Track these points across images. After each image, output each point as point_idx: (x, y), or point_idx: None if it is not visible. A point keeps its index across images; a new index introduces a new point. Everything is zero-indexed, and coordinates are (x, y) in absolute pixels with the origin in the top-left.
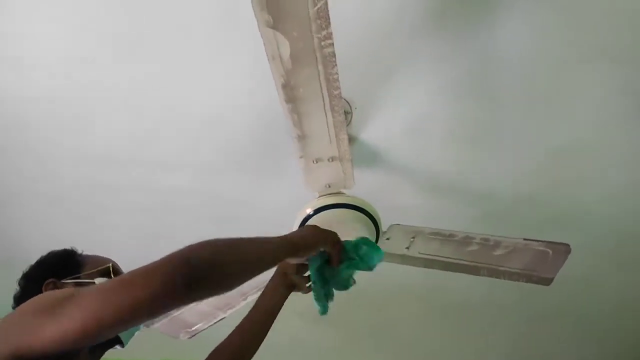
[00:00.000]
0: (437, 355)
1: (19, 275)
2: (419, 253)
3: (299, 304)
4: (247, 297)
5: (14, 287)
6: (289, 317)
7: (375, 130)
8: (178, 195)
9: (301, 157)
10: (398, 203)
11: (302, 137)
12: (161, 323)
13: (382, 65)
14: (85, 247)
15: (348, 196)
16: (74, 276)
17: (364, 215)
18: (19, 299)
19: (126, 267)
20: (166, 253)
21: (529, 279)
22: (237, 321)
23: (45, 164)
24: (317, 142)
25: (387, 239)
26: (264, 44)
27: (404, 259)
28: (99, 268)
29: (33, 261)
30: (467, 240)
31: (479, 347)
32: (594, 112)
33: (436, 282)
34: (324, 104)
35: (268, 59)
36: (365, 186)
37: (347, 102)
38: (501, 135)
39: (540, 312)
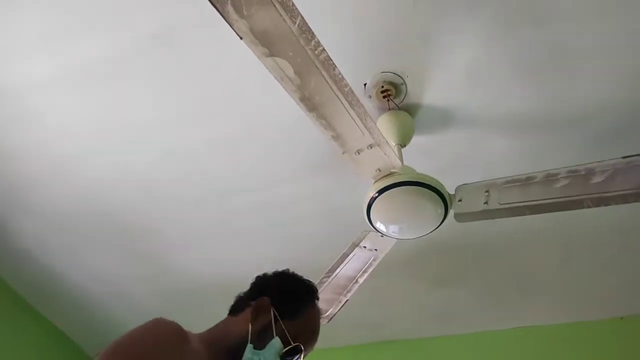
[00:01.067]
0: None
1: None
2: (500, 204)
3: None
4: (358, 280)
5: None
6: None
7: (437, 92)
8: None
9: (344, 153)
10: (485, 155)
11: (336, 137)
12: None
13: (419, 27)
14: None
15: (399, 174)
16: (276, 315)
17: (421, 188)
18: (251, 288)
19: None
20: None
21: None
22: None
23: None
24: (351, 136)
25: (460, 200)
26: (269, 71)
27: (488, 214)
28: (287, 336)
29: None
30: (550, 178)
31: None
32: None
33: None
34: (342, 102)
35: (278, 82)
36: (443, 147)
37: (397, 74)
38: (578, 48)
39: None
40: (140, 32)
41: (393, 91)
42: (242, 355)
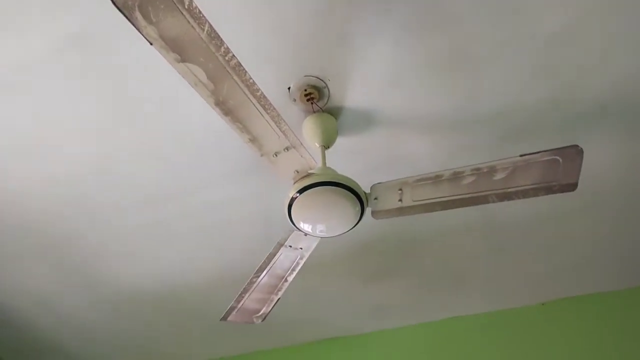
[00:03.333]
0: None
1: None
2: (414, 201)
3: None
4: (287, 279)
5: None
6: None
7: (358, 94)
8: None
9: (262, 155)
10: (405, 154)
11: (253, 140)
12: (233, 316)
13: (337, 32)
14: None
15: (317, 174)
16: None
17: (337, 188)
18: None
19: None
20: None
21: (550, 190)
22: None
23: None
24: (267, 139)
25: (375, 198)
26: (183, 76)
27: (402, 211)
28: None
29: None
30: (457, 175)
31: None
32: None
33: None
34: (255, 106)
35: (192, 87)
36: (367, 148)
37: (319, 78)
38: (481, 50)
39: None
40: (56, 35)
41: (316, 94)
42: None
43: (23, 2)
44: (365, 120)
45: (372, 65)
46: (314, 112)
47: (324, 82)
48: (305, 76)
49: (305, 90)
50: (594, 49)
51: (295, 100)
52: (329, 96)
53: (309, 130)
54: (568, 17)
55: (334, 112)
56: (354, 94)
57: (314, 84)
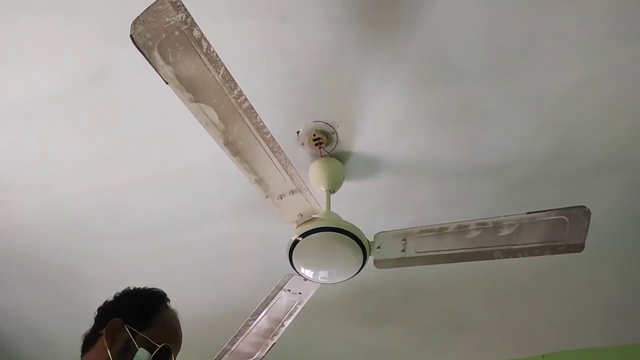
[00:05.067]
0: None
1: None
2: (417, 252)
3: None
4: (284, 324)
5: None
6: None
7: (366, 140)
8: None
9: (267, 197)
10: (410, 200)
11: (259, 181)
12: (225, 358)
13: (348, 80)
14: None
15: (321, 219)
16: (133, 330)
17: (340, 234)
18: (96, 319)
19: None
20: None
21: (556, 250)
22: None
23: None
24: (273, 181)
25: (378, 247)
26: (195, 116)
27: (405, 261)
28: (151, 342)
29: None
30: (462, 229)
31: None
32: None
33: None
34: (264, 149)
35: (204, 126)
36: (372, 192)
37: (328, 124)
38: (488, 105)
39: None
40: (71, 72)
41: (324, 139)
42: None
43: (43, 38)
44: (372, 166)
45: (380, 113)
46: (322, 156)
47: (333, 128)
48: (315, 121)
49: (314, 135)
50: (596, 108)
51: (303, 144)
52: (337, 141)
53: (315, 175)
54: (574, 77)
55: (341, 157)
56: (362, 140)
57: (322, 129)
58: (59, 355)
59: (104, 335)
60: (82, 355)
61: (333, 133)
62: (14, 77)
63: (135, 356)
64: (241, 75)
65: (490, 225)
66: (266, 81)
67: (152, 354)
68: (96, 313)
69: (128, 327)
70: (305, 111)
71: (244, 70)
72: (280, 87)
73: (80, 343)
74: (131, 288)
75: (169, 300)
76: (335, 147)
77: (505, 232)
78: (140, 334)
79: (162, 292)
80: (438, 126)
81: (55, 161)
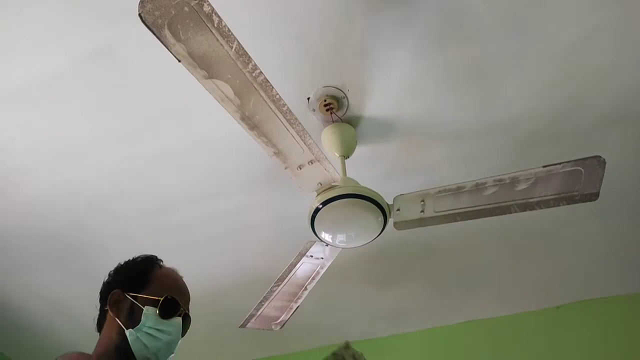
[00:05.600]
0: None
1: None
2: (435, 212)
3: None
4: (307, 287)
5: None
6: None
7: (377, 104)
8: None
9: (286, 168)
10: (424, 162)
11: (278, 153)
12: (252, 323)
13: (356, 43)
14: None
15: (340, 187)
16: (133, 294)
17: (360, 200)
18: (100, 299)
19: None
20: None
21: (571, 200)
22: None
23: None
24: (292, 152)
25: (398, 210)
26: (210, 92)
27: (424, 222)
28: (153, 297)
29: None
30: (479, 187)
31: None
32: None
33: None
34: (281, 121)
35: (219, 102)
36: (385, 156)
37: (338, 88)
38: (498, 63)
39: None
40: (80, 50)
41: (335, 104)
42: (129, 345)
43: (50, 19)
44: (384, 129)
45: (390, 75)
46: (333, 121)
47: (343, 92)
48: (325, 87)
49: (325, 100)
50: (606, 59)
51: (314, 110)
52: (348, 106)
53: (328, 140)
54: (581, 30)
55: (352, 122)
56: (372, 103)
57: (333, 94)
58: (87, 330)
59: (108, 309)
60: (99, 332)
61: (344, 98)
62: (23, 59)
63: (143, 314)
64: (249, 42)
65: (507, 181)
66: (274, 48)
67: (157, 308)
68: (99, 296)
69: (128, 294)
70: (315, 77)
71: (252, 38)
72: (288, 53)
73: (95, 326)
74: (122, 262)
75: (161, 261)
76: (346, 111)
77: (522, 186)
78: (141, 295)
79: (152, 255)
80: (448, 86)
81: (70, 142)
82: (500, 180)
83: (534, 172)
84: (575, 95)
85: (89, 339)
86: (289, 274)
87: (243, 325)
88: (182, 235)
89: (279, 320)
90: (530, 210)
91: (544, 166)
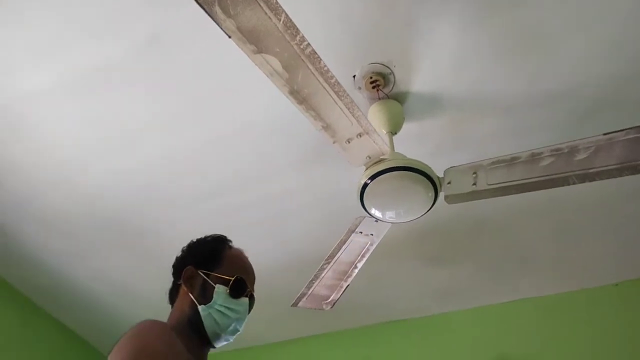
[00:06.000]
0: None
1: None
2: (489, 185)
3: None
4: (357, 265)
5: None
6: None
7: (424, 79)
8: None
9: (334, 142)
10: (473, 136)
11: (326, 127)
12: (303, 302)
13: (401, 17)
14: None
15: (389, 160)
16: (206, 272)
17: (410, 172)
18: (173, 273)
19: None
20: None
21: (635, 170)
22: None
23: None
24: (340, 126)
25: (449, 183)
26: (259, 67)
27: (476, 195)
28: (224, 276)
29: None
30: (535, 157)
31: None
32: None
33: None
34: (329, 94)
35: (267, 76)
36: (433, 132)
37: (384, 65)
38: (551, 29)
39: None
40: (132, 38)
41: (382, 81)
42: (201, 320)
43: (102, 8)
44: (432, 104)
45: (438, 49)
46: (380, 98)
47: (390, 69)
48: (370, 64)
49: (371, 77)
50: None
51: (360, 88)
52: (394, 82)
53: (375, 118)
54: None
55: (399, 98)
56: (419, 78)
57: (379, 70)
58: (149, 308)
59: (182, 284)
60: (171, 307)
61: (390, 74)
62: (79, 51)
63: (215, 292)
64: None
65: (566, 150)
66: (319, 26)
67: (228, 287)
68: (172, 269)
69: (201, 272)
70: (360, 54)
71: (296, 16)
72: (333, 30)
73: (167, 298)
74: (194, 240)
75: (230, 241)
76: (392, 88)
77: (581, 155)
78: (213, 273)
79: (222, 235)
80: (498, 56)
81: (125, 129)
82: (557, 149)
83: (594, 140)
84: (635, 61)
85: (149, 316)
86: (338, 251)
87: (295, 304)
88: (231, 218)
89: (329, 300)
90: (590, 181)
91: (605, 134)
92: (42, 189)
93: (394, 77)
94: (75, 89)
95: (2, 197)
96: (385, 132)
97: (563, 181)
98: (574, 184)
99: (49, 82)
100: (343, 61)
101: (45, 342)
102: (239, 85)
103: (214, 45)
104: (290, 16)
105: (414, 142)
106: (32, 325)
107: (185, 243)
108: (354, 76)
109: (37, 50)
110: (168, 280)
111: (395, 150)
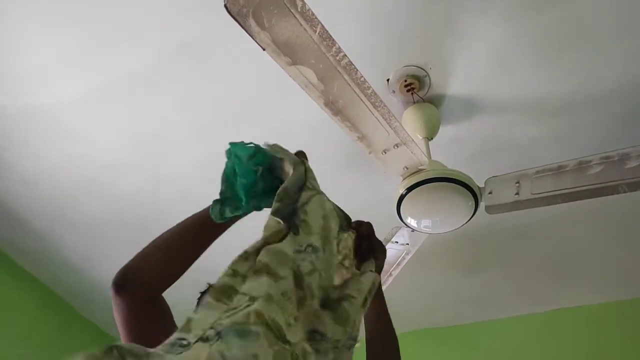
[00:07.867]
0: None
1: None
2: (532, 194)
3: None
4: (392, 274)
5: None
6: None
7: (460, 81)
8: None
9: (370, 153)
10: (514, 141)
11: (362, 138)
12: None
13: (437, 17)
14: None
15: (427, 170)
16: None
17: (449, 183)
18: None
19: None
20: None
21: None
22: None
23: None
24: (376, 136)
25: (490, 193)
26: (293, 79)
27: (519, 205)
28: None
29: None
30: (582, 165)
31: None
32: None
33: None
34: (365, 105)
35: (302, 88)
36: (471, 136)
37: (420, 67)
38: (602, 25)
39: None
40: (167, 45)
41: (416, 84)
42: None
43: (134, 15)
44: (469, 108)
45: (477, 49)
46: (415, 102)
47: (425, 71)
48: (405, 66)
49: (405, 80)
50: None
51: (394, 91)
52: (430, 85)
53: (410, 122)
54: None
55: (435, 101)
56: (456, 80)
57: (414, 73)
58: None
59: None
60: None
61: (425, 76)
62: (115, 57)
63: None
64: (325, 25)
65: (616, 158)
66: (351, 29)
67: None
68: None
69: None
70: (394, 57)
71: (328, 21)
72: (366, 33)
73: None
74: None
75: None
76: (428, 91)
77: (632, 163)
78: None
79: None
80: (542, 56)
81: (159, 135)
82: (607, 157)
83: None
84: None
85: (178, 317)
86: None
87: None
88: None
89: None
90: None
91: None
92: (79, 194)
93: (430, 80)
94: (109, 95)
95: (41, 204)
96: (421, 137)
97: (612, 190)
98: (623, 192)
99: (82, 90)
100: (376, 64)
101: (84, 347)
102: (273, 93)
103: (247, 52)
104: (320, 17)
105: (451, 147)
106: (71, 329)
107: (222, 252)
108: (388, 80)
109: (71, 57)
110: (200, 287)
111: (432, 157)
